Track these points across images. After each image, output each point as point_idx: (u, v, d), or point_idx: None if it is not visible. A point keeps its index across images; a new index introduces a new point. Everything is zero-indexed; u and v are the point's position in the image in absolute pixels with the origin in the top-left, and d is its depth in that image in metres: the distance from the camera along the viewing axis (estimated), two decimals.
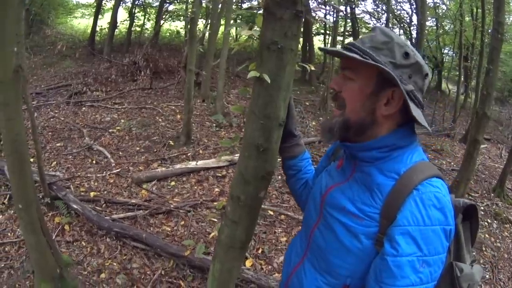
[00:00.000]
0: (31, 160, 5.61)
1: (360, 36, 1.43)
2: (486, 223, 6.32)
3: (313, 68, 2.11)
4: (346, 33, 19.20)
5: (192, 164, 6.48)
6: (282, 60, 1.43)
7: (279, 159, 1.79)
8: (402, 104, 1.31)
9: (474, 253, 5.12)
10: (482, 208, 6.76)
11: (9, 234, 4.51)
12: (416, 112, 1.30)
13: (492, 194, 7.65)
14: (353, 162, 1.44)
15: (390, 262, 1.19)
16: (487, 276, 4.93)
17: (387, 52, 1.29)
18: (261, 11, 1.47)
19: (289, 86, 1.50)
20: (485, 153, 11.30)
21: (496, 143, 13.41)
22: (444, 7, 19.61)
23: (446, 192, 1.27)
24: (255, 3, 1.52)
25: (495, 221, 6.57)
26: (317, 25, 22.20)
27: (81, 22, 23.06)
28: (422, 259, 1.18)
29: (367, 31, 20.74)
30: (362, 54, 1.29)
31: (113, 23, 16.59)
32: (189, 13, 7.56)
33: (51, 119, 8.54)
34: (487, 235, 5.91)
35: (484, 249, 5.45)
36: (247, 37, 1.66)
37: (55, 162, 6.42)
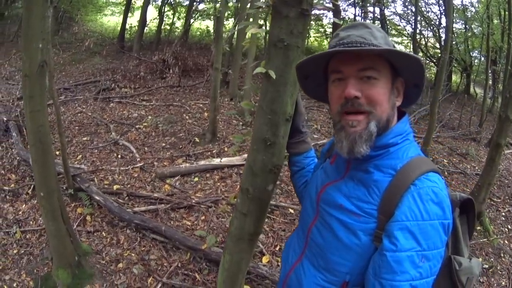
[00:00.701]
0: (56, 153, 5.78)
1: (349, 34, 1.36)
2: (506, 229, 6.20)
3: None
4: None
5: (216, 161, 6.49)
6: (288, 57, 1.49)
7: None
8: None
9: (492, 259, 5.06)
10: (503, 213, 6.61)
11: (31, 222, 4.68)
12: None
13: None
14: (347, 159, 1.41)
15: (389, 257, 1.19)
16: (503, 283, 4.84)
17: (388, 47, 1.31)
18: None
19: (296, 83, 1.55)
20: (510, 158, 11.08)
21: None
22: (473, 9, 19.28)
23: (443, 186, 1.27)
24: (262, 1, 1.56)
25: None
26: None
27: (110, 20, 23.37)
28: (421, 254, 1.18)
29: (396, 33, 20.55)
30: (383, 47, 1.30)
31: (143, 21, 16.82)
32: (216, 12, 7.63)
33: (79, 114, 8.69)
34: (506, 241, 5.79)
35: (502, 255, 5.36)
36: (252, 34, 1.71)
37: (80, 156, 6.55)
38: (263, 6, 1.57)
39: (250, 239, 1.88)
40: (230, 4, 14.17)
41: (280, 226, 5.01)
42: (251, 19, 10.09)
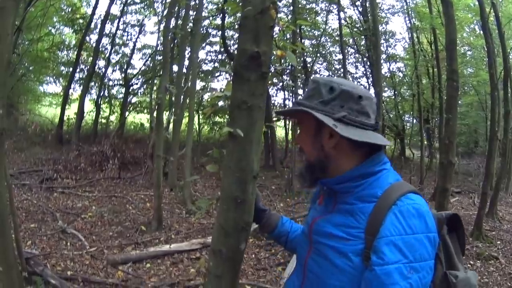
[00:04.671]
0: None
1: None
2: (469, 265, 6.46)
3: (277, 125, 2.28)
4: None
5: (166, 247, 6.50)
6: (252, 117, 1.59)
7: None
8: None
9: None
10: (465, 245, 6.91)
11: None
12: (354, 132, 1.43)
13: (471, 239, 7.81)
14: (334, 196, 1.53)
15: (378, 271, 1.24)
16: None
17: (317, 95, 1.48)
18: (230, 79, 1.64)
19: (259, 141, 1.65)
20: (457, 205, 11.57)
21: (467, 194, 13.73)
22: (400, 74, 20.43)
23: (424, 204, 1.35)
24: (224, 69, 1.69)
25: (478, 261, 6.78)
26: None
27: (48, 111, 23.22)
28: (409, 266, 1.23)
29: None
30: (297, 105, 1.51)
31: (80, 113, 16.90)
32: (154, 101, 7.80)
33: (24, 201, 8.56)
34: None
35: None
36: (217, 96, 1.81)
37: (30, 242, 6.36)
38: (228, 71, 1.68)
39: None
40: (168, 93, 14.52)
41: None
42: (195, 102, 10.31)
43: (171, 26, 13.32)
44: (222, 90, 2.00)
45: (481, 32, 11.57)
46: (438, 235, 1.37)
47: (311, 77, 1.59)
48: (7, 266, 3.24)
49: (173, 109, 10.84)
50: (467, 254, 6.91)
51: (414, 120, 21.31)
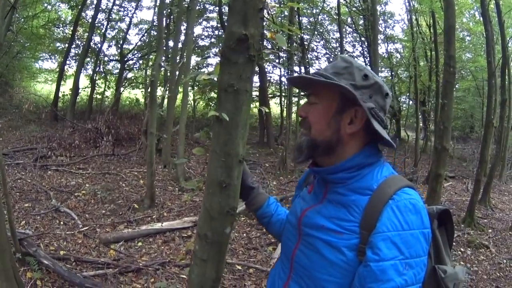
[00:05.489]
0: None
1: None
2: (459, 252, 6.49)
3: (267, 110, 2.25)
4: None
5: (158, 225, 6.56)
6: (238, 101, 1.56)
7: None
8: (365, 123, 1.42)
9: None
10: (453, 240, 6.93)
11: None
12: (379, 128, 1.41)
13: (462, 225, 7.87)
14: (325, 185, 1.51)
15: (374, 267, 1.23)
16: None
17: (347, 76, 1.42)
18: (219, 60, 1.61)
19: (246, 125, 1.62)
20: (450, 190, 11.61)
21: (461, 179, 13.82)
22: (398, 55, 20.34)
23: (419, 199, 1.34)
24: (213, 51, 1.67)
25: (469, 249, 6.80)
26: (273, 87, 22.74)
27: (44, 87, 23.12)
28: (404, 262, 1.22)
29: None
30: (325, 78, 1.42)
31: (75, 90, 16.85)
32: (148, 78, 7.76)
33: (18, 180, 8.57)
34: (462, 263, 6.04)
35: None
36: (205, 80, 1.78)
37: (24, 222, 6.41)
38: (214, 55, 1.65)
39: (212, 285, 1.86)
40: (163, 69, 14.43)
41: (230, 283, 5.04)
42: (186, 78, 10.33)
43: (167, 1, 13.26)
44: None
45: (481, 18, 11.47)
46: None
47: (340, 55, 1.50)
48: (0, 250, 3.24)
49: (168, 86, 10.77)
50: (458, 241, 6.95)
51: (410, 102, 21.27)
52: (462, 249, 6.68)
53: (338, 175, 1.44)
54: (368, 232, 1.29)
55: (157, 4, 12.89)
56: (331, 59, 20.65)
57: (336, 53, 19.34)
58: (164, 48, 15.03)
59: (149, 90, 8.59)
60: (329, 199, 1.47)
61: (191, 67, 12.13)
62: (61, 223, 6.53)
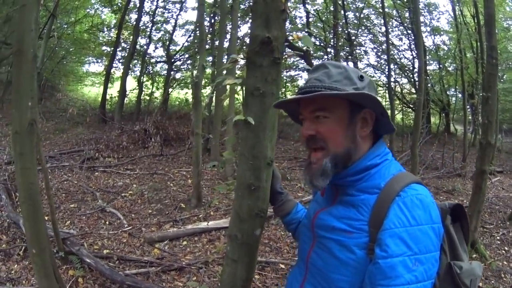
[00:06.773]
0: (45, 217, 5.76)
1: (309, 78, 1.46)
2: (503, 251, 6.21)
3: None
4: None
5: (203, 224, 6.56)
6: (265, 104, 1.58)
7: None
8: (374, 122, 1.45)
9: (492, 281, 5.09)
10: (498, 238, 6.67)
11: (24, 282, 4.57)
12: (388, 121, 1.45)
13: (508, 223, 7.49)
14: (335, 188, 1.52)
15: (382, 264, 1.23)
16: None
17: (347, 81, 1.41)
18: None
19: (274, 127, 1.63)
20: (498, 185, 11.17)
21: (510, 174, 13.15)
22: (445, 47, 19.80)
23: (428, 194, 1.34)
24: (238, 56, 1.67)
25: None
26: None
27: (91, 90, 23.77)
28: (414, 258, 1.21)
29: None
30: (331, 90, 1.39)
31: (123, 92, 17.23)
32: (194, 79, 7.81)
33: (65, 182, 8.73)
34: (505, 262, 5.80)
35: (503, 275, 5.35)
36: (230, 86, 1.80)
37: (69, 222, 6.54)
38: (239, 59, 1.66)
39: (243, 285, 1.88)
40: (208, 70, 14.51)
41: (272, 281, 4.99)
42: (224, 72, 10.39)
43: (210, 1, 13.31)
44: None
45: None
46: (442, 226, 1.34)
47: (325, 62, 1.47)
48: (39, 249, 3.35)
49: (214, 87, 10.85)
50: (503, 240, 6.64)
51: (459, 95, 20.66)
52: (506, 248, 6.38)
53: (347, 179, 1.45)
54: (377, 230, 1.29)
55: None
56: (379, 53, 20.38)
57: (383, 48, 18.99)
58: (209, 48, 15.12)
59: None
60: (339, 201, 1.48)
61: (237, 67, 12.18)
62: (106, 222, 6.65)
